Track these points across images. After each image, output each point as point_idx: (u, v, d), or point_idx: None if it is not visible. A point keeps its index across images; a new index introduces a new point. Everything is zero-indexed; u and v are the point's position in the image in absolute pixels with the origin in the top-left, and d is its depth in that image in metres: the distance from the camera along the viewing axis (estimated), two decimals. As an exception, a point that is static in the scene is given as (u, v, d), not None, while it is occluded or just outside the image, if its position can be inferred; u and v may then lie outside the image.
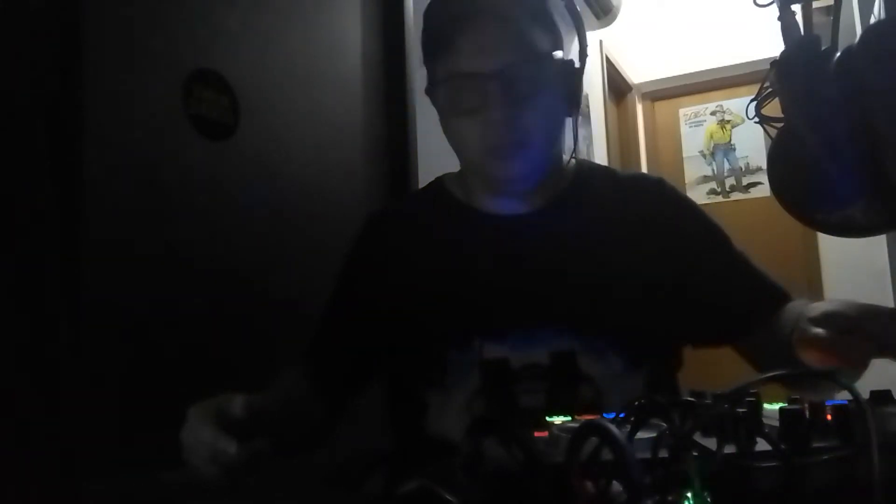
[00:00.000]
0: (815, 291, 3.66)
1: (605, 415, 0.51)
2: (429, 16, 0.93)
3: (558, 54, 0.90)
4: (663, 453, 0.42)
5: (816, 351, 0.67)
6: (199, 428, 0.72)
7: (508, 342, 0.89)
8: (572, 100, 0.93)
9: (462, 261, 0.96)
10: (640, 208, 0.97)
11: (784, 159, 0.96)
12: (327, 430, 1.00)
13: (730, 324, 0.94)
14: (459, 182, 1.02)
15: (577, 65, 0.93)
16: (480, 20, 0.87)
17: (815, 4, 0.90)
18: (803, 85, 0.87)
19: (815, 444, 0.44)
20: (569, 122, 0.97)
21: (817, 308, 0.73)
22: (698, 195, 4.21)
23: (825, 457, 0.42)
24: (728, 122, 4.25)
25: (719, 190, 4.24)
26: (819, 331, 0.68)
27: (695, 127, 4.35)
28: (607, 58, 3.79)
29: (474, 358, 0.89)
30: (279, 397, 0.90)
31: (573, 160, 1.04)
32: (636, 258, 0.93)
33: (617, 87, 4.15)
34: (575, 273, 0.92)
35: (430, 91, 0.93)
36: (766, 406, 0.48)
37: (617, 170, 1.11)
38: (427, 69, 0.94)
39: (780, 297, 0.92)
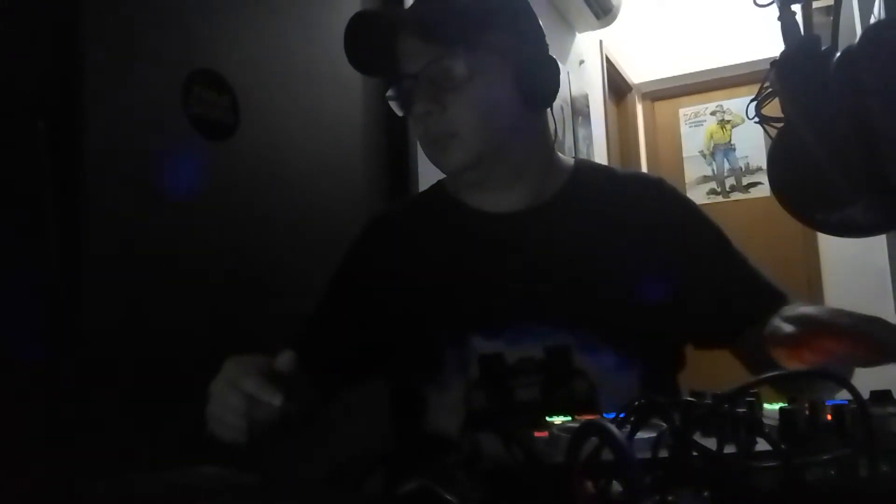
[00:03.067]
0: (815, 291, 3.66)
1: (605, 415, 0.51)
2: (357, 34, 0.94)
3: (496, 48, 0.90)
4: (663, 453, 0.42)
5: (781, 348, 0.67)
6: (240, 377, 0.70)
7: (503, 337, 0.90)
8: (526, 91, 0.92)
9: (457, 258, 0.97)
10: (639, 207, 0.98)
11: (784, 159, 0.96)
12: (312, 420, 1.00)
13: (725, 325, 0.94)
14: (455, 183, 1.03)
15: (526, 54, 0.93)
16: (403, 27, 0.93)
17: (815, 4, 0.91)
18: (803, 85, 0.87)
19: (815, 444, 0.44)
20: (554, 119, 0.99)
21: (795, 308, 0.73)
22: (698, 195, 4.22)
23: (825, 457, 0.42)
24: (728, 122, 4.26)
25: (719, 190, 4.24)
26: (788, 327, 0.68)
27: (695, 127, 4.36)
28: (607, 58, 3.80)
29: (469, 353, 0.90)
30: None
31: (571, 159, 1.04)
32: (633, 256, 0.93)
33: (617, 87, 4.15)
34: (569, 269, 0.93)
35: (386, 97, 0.97)
36: (766, 406, 0.48)
37: (616, 168, 1.11)
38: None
39: (777, 299, 0.91)
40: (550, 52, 0.98)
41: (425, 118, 0.91)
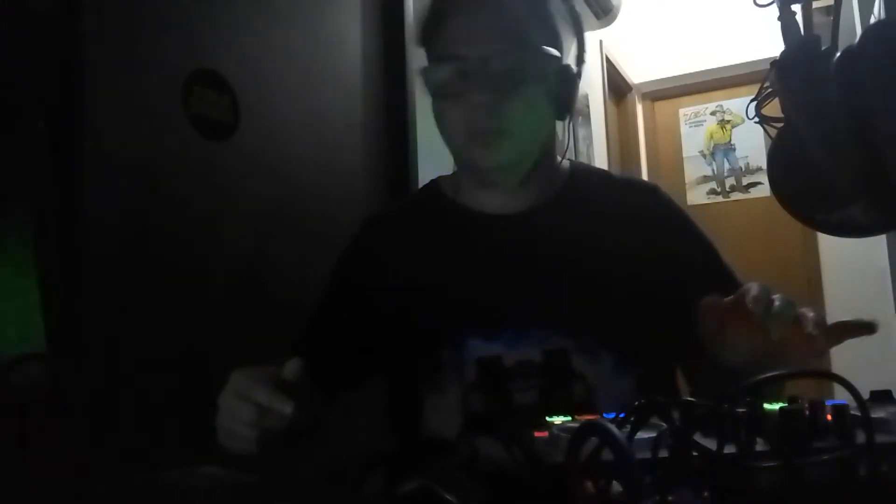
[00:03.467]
0: (816, 291, 3.66)
1: (605, 415, 0.51)
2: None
3: (551, 52, 0.90)
4: (663, 453, 0.42)
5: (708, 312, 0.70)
6: (250, 388, 0.71)
7: (502, 340, 0.89)
8: (564, 102, 0.93)
9: (453, 260, 0.96)
10: (633, 212, 0.98)
11: (784, 159, 0.96)
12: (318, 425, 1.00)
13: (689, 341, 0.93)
14: (452, 182, 1.03)
15: (573, 69, 0.94)
16: (473, 6, 0.90)
17: (815, 4, 0.91)
18: (803, 85, 0.87)
19: (815, 444, 0.44)
20: (562, 126, 0.98)
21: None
22: (698, 195, 4.22)
23: (825, 457, 0.42)
24: (728, 122, 4.26)
25: (719, 190, 4.24)
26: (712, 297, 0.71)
27: (695, 127, 4.36)
28: (607, 58, 3.79)
29: (467, 356, 0.89)
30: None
31: (567, 161, 1.04)
32: (626, 260, 0.93)
33: (617, 87, 4.15)
34: (566, 272, 0.93)
35: (423, 72, 0.93)
36: (766, 406, 0.48)
37: (612, 172, 1.11)
38: (425, 50, 0.97)
39: None
40: None
41: (477, 109, 0.88)
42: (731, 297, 0.72)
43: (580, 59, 0.97)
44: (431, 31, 0.94)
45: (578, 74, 0.95)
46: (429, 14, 0.94)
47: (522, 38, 0.88)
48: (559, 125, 1.00)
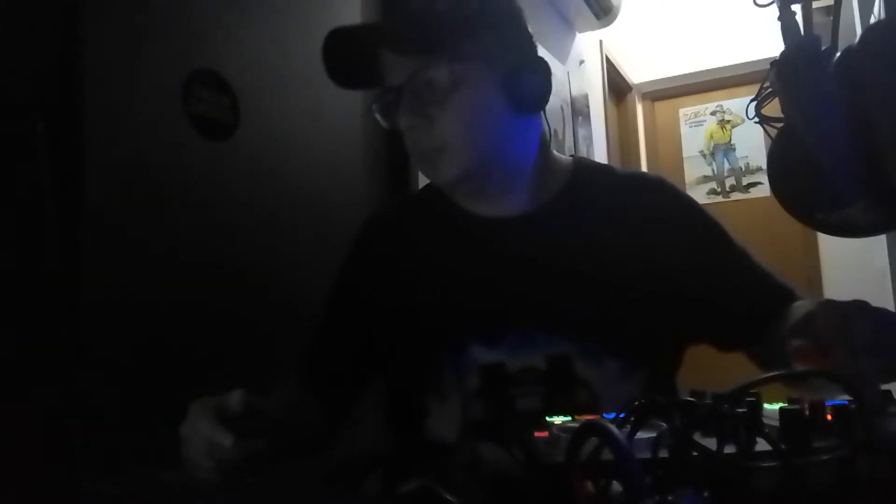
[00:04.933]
0: (816, 291, 3.65)
1: (605, 415, 0.51)
2: (335, 49, 0.93)
3: (478, 55, 0.88)
4: (663, 453, 0.42)
5: (802, 360, 0.66)
6: (198, 421, 0.72)
7: (504, 346, 0.88)
8: (524, 96, 0.90)
9: (455, 264, 0.95)
10: (640, 207, 0.96)
11: (784, 159, 0.96)
12: (332, 434, 1.00)
13: (732, 325, 0.92)
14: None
15: (519, 59, 0.91)
16: (381, 42, 0.90)
17: (815, 4, 0.91)
18: (803, 85, 0.87)
19: (815, 444, 0.44)
20: (555, 122, 0.96)
21: (798, 311, 0.72)
22: (698, 195, 4.22)
23: (825, 457, 0.42)
24: (728, 122, 4.26)
25: (719, 190, 4.25)
26: (799, 342, 0.66)
27: (695, 127, 4.36)
28: (607, 58, 3.80)
29: (470, 362, 0.89)
30: (278, 403, 0.90)
31: (569, 158, 1.03)
32: (635, 259, 0.91)
33: (617, 87, 4.15)
34: (570, 276, 0.91)
35: (373, 112, 0.94)
36: (766, 406, 0.48)
37: (616, 168, 1.08)
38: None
39: (784, 297, 0.90)
40: (548, 52, 0.96)
41: (411, 132, 0.89)
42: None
43: (525, 46, 0.93)
44: (355, 75, 0.93)
45: (526, 61, 0.91)
46: (339, 59, 0.93)
47: (433, 53, 0.86)
48: (544, 123, 0.98)
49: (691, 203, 1.01)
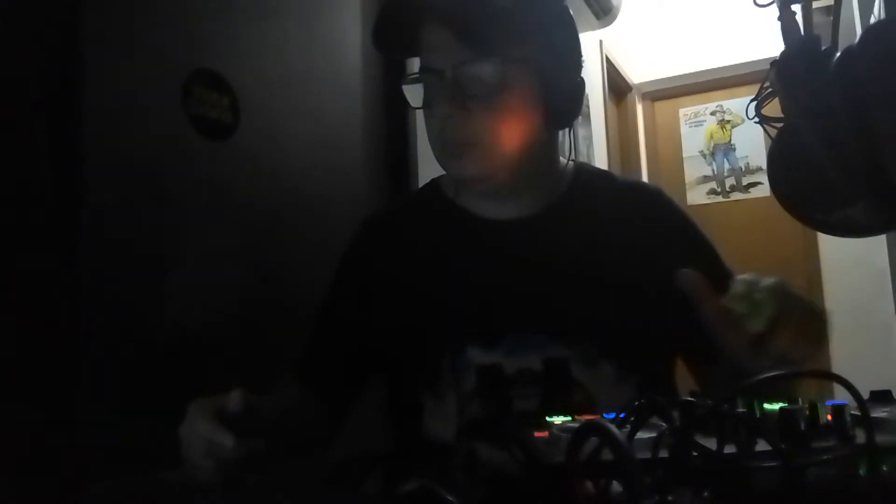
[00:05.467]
0: (816, 291, 3.66)
1: (605, 415, 0.51)
2: (390, 9, 0.91)
3: (531, 61, 0.88)
4: (663, 453, 0.42)
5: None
6: (196, 422, 0.72)
7: (502, 347, 0.89)
8: (559, 111, 0.91)
9: (454, 266, 0.95)
10: (636, 216, 0.97)
11: (784, 159, 0.96)
12: (332, 434, 1.00)
13: (703, 341, 0.92)
14: (453, 183, 1.02)
15: (575, 76, 0.92)
16: (437, 17, 0.88)
17: (815, 4, 0.90)
18: (803, 85, 0.87)
19: (815, 444, 0.44)
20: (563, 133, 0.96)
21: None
22: (698, 195, 4.22)
23: (825, 457, 0.42)
24: (728, 122, 4.26)
25: (719, 190, 4.24)
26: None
27: (695, 127, 4.35)
28: (607, 58, 3.79)
29: (467, 362, 0.89)
30: (277, 403, 0.90)
31: (571, 163, 1.03)
32: (629, 266, 0.92)
33: (617, 87, 4.15)
34: (568, 279, 0.91)
35: (402, 86, 0.93)
36: (766, 406, 0.48)
37: (616, 175, 1.09)
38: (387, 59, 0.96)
39: None
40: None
41: (446, 121, 0.88)
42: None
43: (574, 66, 0.94)
44: (395, 40, 0.92)
45: (571, 80, 0.92)
46: (395, 25, 0.91)
47: (488, 49, 0.85)
48: (567, 139, 0.98)
49: (686, 216, 1.02)
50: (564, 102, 0.91)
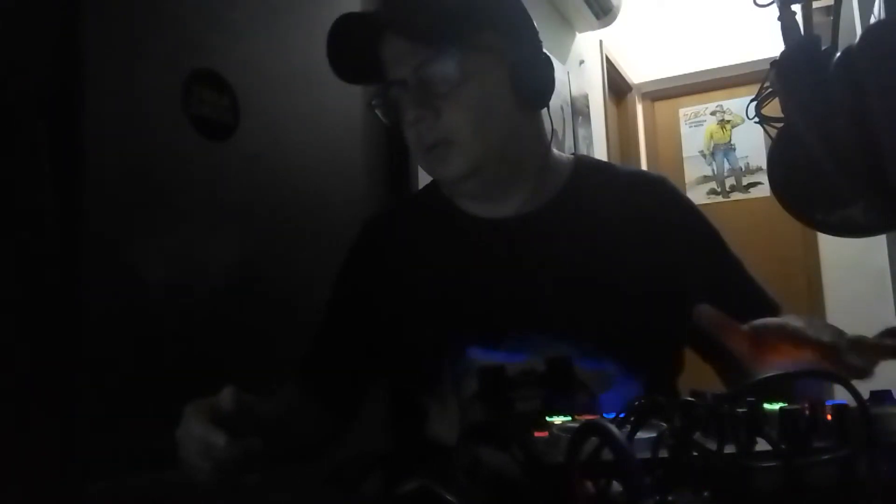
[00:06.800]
0: (815, 291, 3.66)
1: (605, 414, 0.51)
2: (341, 37, 0.91)
3: (491, 47, 0.88)
4: (663, 453, 0.42)
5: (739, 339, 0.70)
6: (191, 422, 0.72)
7: (503, 348, 0.88)
8: (528, 91, 0.90)
9: (454, 266, 0.95)
10: (640, 207, 0.95)
11: (784, 159, 0.96)
12: (335, 437, 1.00)
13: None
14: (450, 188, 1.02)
15: (535, 54, 0.91)
16: (390, 28, 0.88)
17: (815, 4, 0.90)
18: (803, 85, 0.87)
19: (815, 444, 0.44)
20: (554, 120, 0.96)
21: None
22: (698, 195, 4.22)
23: (825, 457, 0.42)
24: (728, 122, 4.26)
25: (719, 190, 4.24)
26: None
27: (695, 127, 4.36)
28: (607, 58, 3.80)
29: (469, 364, 0.88)
30: (278, 404, 0.90)
31: (570, 156, 1.02)
32: (631, 261, 0.91)
33: (617, 87, 4.15)
34: (570, 277, 0.91)
35: (372, 106, 0.93)
36: (766, 406, 0.48)
37: (617, 166, 1.08)
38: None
39: (768, 309, 0.89)
40: (548, 52, 0.95)
41: (417, 125, 0.87)
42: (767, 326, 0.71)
43: (528, 47, 0.92)
44: (355, 64, 0.91)
45: (534, 58, 0.91)
46: (342, 45, 0.91)
47: (445, 41, 0.85)
48: (547, 121, 0.98)
49: (691, 205, 1.01)
50: (534, 80, 0.91)
